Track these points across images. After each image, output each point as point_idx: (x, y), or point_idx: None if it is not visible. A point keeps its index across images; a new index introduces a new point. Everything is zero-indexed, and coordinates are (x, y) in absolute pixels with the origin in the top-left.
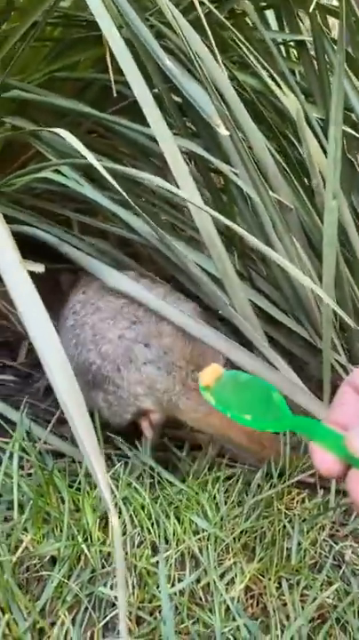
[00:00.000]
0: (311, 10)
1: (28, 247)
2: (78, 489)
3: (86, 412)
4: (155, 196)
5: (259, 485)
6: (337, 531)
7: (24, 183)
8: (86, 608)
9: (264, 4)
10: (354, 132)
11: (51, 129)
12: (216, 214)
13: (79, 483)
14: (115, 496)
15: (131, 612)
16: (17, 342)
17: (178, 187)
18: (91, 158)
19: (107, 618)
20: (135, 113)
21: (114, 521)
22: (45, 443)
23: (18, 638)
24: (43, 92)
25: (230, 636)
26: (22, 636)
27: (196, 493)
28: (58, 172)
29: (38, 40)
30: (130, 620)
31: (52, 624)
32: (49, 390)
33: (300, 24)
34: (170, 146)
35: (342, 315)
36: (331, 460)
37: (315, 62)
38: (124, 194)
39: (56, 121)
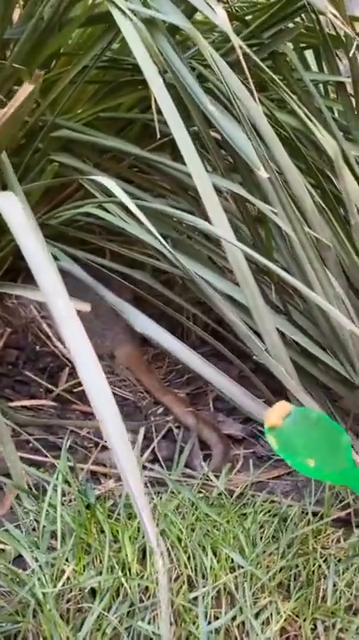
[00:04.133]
0: (352, 53)
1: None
2: (117, 519)
3: (129, 443)
4: (194, 230)
5: (294, 523)
6: None
7: (68, 217)
8: None
9: (303, 45)
10: None
11: (93, 177)
12: (248, 250)
13: (118, 513)
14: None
15: None
16: (58, 368)
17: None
18: (126, 200)
19: None
20: (175, 149)
21: (159, 563)
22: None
23: None
24: (89, 131)
25: None
26: None
27: (233, 527)
28: (100, 206)
29: (86, 82)
30: None
31: None
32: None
33: (339, 63)
34: (204, 183)
35: None
36: None
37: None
38: (152, 228)
39: (100, 157)
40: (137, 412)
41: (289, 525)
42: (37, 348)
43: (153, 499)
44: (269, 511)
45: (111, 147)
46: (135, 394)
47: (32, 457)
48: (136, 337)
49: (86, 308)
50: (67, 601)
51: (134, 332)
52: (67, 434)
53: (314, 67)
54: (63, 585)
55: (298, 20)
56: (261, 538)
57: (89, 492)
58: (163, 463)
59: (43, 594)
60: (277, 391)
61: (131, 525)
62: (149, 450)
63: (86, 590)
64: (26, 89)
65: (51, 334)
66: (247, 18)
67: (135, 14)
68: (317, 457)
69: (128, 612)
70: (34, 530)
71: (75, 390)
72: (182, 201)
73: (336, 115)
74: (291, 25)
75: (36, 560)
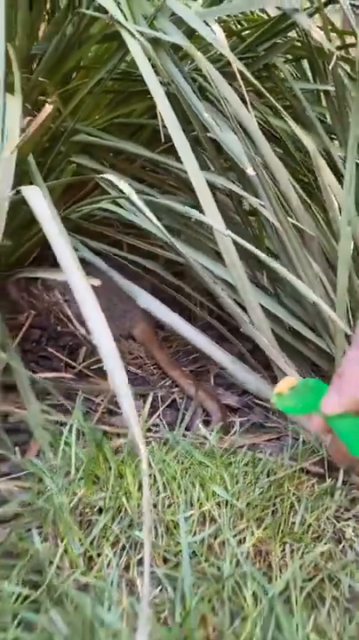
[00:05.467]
0: (331, 66)
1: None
2: (123, 461)
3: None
4: (200, 225)
5: (274, 471)
6: (341, 513)
7: (86, 212)
8: (124, 546)
9: (289, 57)
10: None
11: (103, 175)
12: (233, 236)
13: (124, 456)
14: (152, 467)
15: (159, 553)
16: (77, 347)
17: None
18: (132, 196)
19: (141, 555)
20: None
21: (143, 463)
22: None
23: (73, 559)
24: (105, 135)
25: (239, 579)
26: (76, 559)
27: (220, 470)
28: (115, 202)
29: (102, 92)
30: (157, 558)
31: (98, 555)
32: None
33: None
34: (198, 179)
35: (346, 330)
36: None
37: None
38: (153, 217)
39: (115, 158)
40: (146, 384)
41: (269, 472)
42: (59, 328)
43: (153, 447)
44: (253, 462)
45: (124, 149)
46: (146, 371)
47: (52, 417)
48: (151, 319)
49: (96, 282)
50: (80, 514)
51: (149, 315)
52: (81, 396)
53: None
54: (77, 501)
55: (293, 34)
56: (244, 480)
57: (98, 434)
58: (166, 427)
59: (60, 505)
60: (269, 366)
61: (132, 462)
62: (155, 416)
63: (95, 508)
64: (47, 109)
65: (71, 316)
66: (244, 33)
67: (142, 35)
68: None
69: (128, 526)
70: (52, 465)
71: (92, 367)
72: (186, 197)
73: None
74: (283, 39)
75: (53, 481)
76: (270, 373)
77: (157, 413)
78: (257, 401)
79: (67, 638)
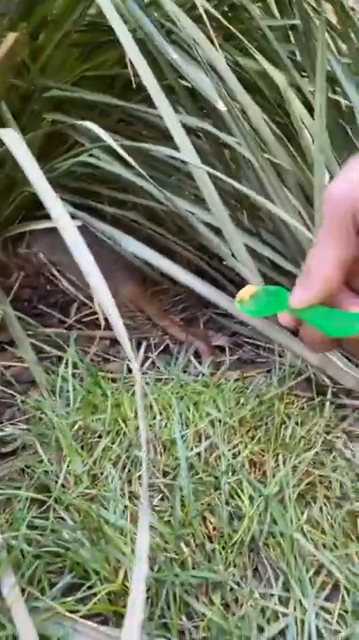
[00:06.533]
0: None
1: None
2: (119, 391)
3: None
4: (177, 171)
5: (264, 394)
6: (331, 428)
7: (65, 168)
8: (125, 464)
9: None
10: (338, 98)
11: (82, 122)
12: (211, 170)
13: (119, 389)
14: (147, 395)
15: (158, 468)
16: (67, 304)
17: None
18: (109, 140)
19: (141, 471)
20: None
21: (137, 388)
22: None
23: (78, 476)
24: (77, 90)
25: (235, 486)
26: (81, 476)
27: (213, 394)
28: (92, 155)
29: (70, 45)
30: (157, 473)
31: (101, 473)
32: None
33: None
34: (172, 120)
35: None
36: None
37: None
38: (135, 164)
39: (89, 113)
40: (139, 332)
41: (258, 394)
42: (48, 287)
43: (148, 382)
44: (244, 386)
45: (98, 101)
46: (137, 322)
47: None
48: (138, 276)
49: (78, 223)
50: (81, 440)
51: (135, 272)
52: (74, 337)
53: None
54: (77, 427)
55: None
56: (235, 401)
57: (93, 368)
58: (161, 369)
59: (61, 429)
60: None
61: (128, 392)
62: (149, 361)
63: (96, 434)
64: (11, 37)
65: (59, 276)
66: None
67: None
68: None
69: (128, 447)
70: (53, 401)
71: (83, 320)
72: (165, 145)
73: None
74: None
75: (54, 412)
76: None
77: (151, 358)
78: (247, 340)
79: (75, 536)
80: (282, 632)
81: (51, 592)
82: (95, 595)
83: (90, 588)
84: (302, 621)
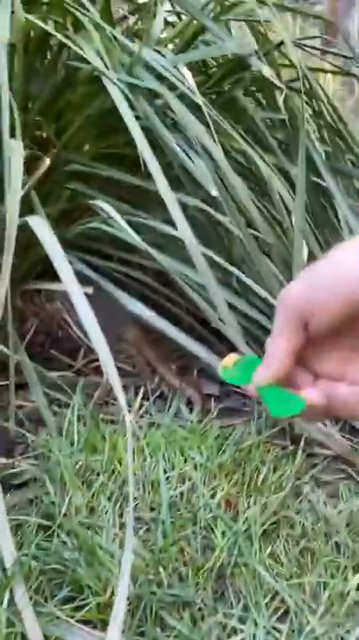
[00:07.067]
0: (281, 98)
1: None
2: (116, 434)
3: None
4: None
5: (242, 442)
6: (301, 475)
7: (80, 231)
8: (118, 499)
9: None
10: (317, 180)
11: (94, 202)
12: (202, 248)
13: (116, 432)
14: (139, 439)
15: (146, 504)
16: (75, 349)
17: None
18: (117, 217)
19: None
20: None
21: (128, 436)
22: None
23: (78, 507)
24: (94, 165)
25: (210, 522)
26: (81, 507)
27: (198, 441)
28: (104, 222)
29: (89, 126)
30: (144, 508)
31: (98, 505)
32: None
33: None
34: (169, 198)
35: None
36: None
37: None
38: (136, 236)
39: (104, 183)
40: (138, 379)
41: (237, 442)
42: (60, 333)
43: (142, 427)
44: (225, 434)
45: (109, 176)
46: (137, 368)
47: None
48: (140, 324)
49: (89, 290)
50: (82, 476)
51: (139, 321)
52: (81, 386)
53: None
54: (78, 467)
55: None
56: (216, 448)
57: (95, 414)
58: (155, 414)
59: (66, 466)
60: None
61: (124, 436)
62: (145, 407)
63: (94, 471)
64: (45, 164)
65: (71, 322)
66: (210, 71)
67: (120, 81)
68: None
69: (122, 482)
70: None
71: (91, 366)
72: (167, 214)
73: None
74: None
75: (60, 451)
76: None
77: (147, 403)
78: (236, 389)
79: (74, 557)
80: None
81: (52, 601)
82: (87, 605)
83: (83, 599)
84: (254, 636)
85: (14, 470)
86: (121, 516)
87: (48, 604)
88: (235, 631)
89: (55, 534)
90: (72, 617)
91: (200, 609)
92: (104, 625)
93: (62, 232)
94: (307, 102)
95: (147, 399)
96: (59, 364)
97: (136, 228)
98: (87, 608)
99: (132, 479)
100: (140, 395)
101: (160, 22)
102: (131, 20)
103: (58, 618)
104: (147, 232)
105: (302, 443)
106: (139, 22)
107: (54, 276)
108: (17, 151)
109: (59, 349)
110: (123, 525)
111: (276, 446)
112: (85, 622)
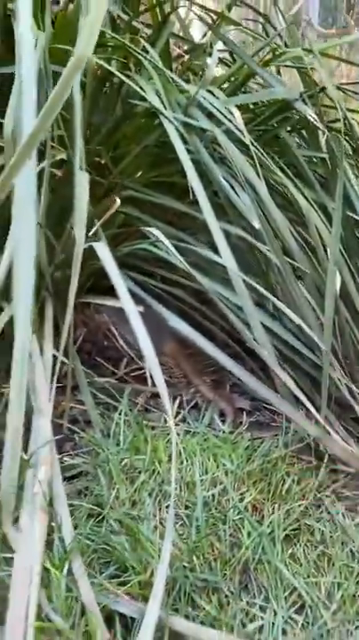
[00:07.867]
0: (324, 137)
1: None
2: (157, 438)
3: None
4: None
5: (271, 454)
6: (323, 488)
7: (128, 251)
8: (157, 495)
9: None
10: (353, 215)
11: (147, 228)
12: (242, 275)
13: (157, 436)
14: (177, 444)
15: (182, 502)
16: (118, 358)
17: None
18: (166, 242)
19: (170, 503)
20: None
21: (173, 439)
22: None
23: (122, 499)
24: (146, 191)
25: (238, 523)
26: (125, 500)
27: (229, 449)
28: (152, 243)
29: (144, 156)
30: (180, 505)
31: (139, 499)
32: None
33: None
34: (215, 227)
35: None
36: None
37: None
38: (181, 259)
39: (154, 208)
40: (175, 389)
41: (266, 453)
42: (105, 343)
43: (179, 433)
44: (255, 446)
45: (160, 202)
46: (175, 379)
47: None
48: (179, 336)
49: (140, 309)
50: (126, 473)
51: (177, 336)
52: (127, 392)
53: None
54: (123, 465)
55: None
56: (247, 458)
57: (139, 418)
58: (190, 423)
59: (113, 464)
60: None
61: (164, 439)
62: (181, 415)
63: (137, 470)
64: (116, 204)
65: (115, 333)
66: (258, 110)
67: (176, 119)
68: None
69: (161, 482)
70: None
71: (132, 374)
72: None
73: None
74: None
75: (108, 449)
76: (272, 383)
77: (182, 413)
78: (266, 405)
79: (120, 541)
80: (259, 629)
81: (101, 576)
82: (130, 581)
83: (128, 576)
84: (273, 624)
85: (64, 464)
86: (160, 510)
87: (97, 577)
88: (256, 618)
89: (105, 520)
90: (118, 590)
91: (226, 595)
92: (145, 600)
93: (113, 251)
94: (346, 141)
95: (183, 409)
96: (103, 370)
97: (181, 251)
98: (130, 584)
99: (174, 478)
100: (176, 404)
101: (214, 62)
102: (187, 57)
103: (107, 589)
104: (190, 255)
105: (326, 459)
106: (194, 60)
107: (105, 291)
108: (83, 182)
109: (103, 357)
110: (161, 519)
111: (301, 460)
112: (128, 596)
